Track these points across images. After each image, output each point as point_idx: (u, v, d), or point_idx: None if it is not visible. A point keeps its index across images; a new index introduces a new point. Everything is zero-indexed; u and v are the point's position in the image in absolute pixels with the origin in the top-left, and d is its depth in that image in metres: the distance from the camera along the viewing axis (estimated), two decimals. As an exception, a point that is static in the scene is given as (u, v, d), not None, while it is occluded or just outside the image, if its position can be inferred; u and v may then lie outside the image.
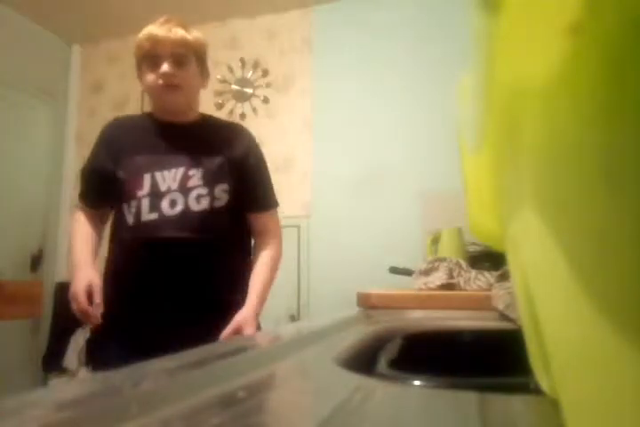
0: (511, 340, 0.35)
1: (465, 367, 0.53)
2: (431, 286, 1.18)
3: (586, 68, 0.11)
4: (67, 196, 3.20)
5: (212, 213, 1.13)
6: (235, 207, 1.19)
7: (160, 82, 1.15)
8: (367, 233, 2.49)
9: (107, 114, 3.21)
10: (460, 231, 1.78)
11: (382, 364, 0.43)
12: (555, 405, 0.19)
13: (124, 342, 1.10)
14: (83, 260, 1.13)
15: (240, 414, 0.24)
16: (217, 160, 1.18)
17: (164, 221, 1.11)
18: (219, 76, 2.94)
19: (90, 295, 1.05)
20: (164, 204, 1.11)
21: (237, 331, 1.08)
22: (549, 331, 0.18)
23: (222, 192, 1.16)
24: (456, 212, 1.30)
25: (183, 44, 1.17)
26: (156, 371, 0.36)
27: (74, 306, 1.06)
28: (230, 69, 2.99)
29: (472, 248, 1.68)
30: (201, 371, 0.36)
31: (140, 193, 1.12)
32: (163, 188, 1.13)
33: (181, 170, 1.14)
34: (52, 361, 2.76)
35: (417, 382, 0.35)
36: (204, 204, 1.13)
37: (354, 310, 0.96)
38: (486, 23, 0.17)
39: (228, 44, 3.01)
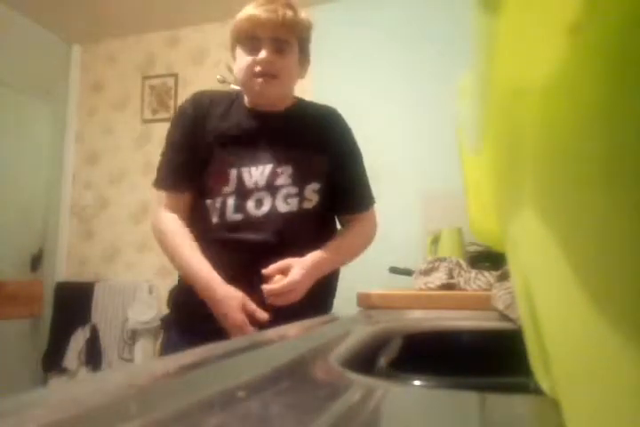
0: (511, 340, 0.35)
1: (465, 367, 0.53)
2: (431, 286, 1.18)
3: (586, 67, 0.11)
4: (67, 195, 3.20)
5: (299, 215, 1.03)
6: (325, 209, 1.08)
7: (257, 69, 1.02)
8: (367, 233, 2.49)
9: (107, 114, 3.22)
10: (459, 231, 1.78)
11: (382, 364, 0.43)
12: (555, 405, 0.19)
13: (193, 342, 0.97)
14: (211, 276, 0.98)
15: (240, 414, 0.24)
16: (309, 156, 1.06)
17: (248, 222, 1.01)
18: (218, 77, 2.93)
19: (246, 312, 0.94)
20: (250, 203, 1.02)
21: (283, 269, 0.96)
22: (549, 331, 0.18)
23: (313, 193, 1.05)
24: (456, 212, 1.30)
25: (288, 27, 1.02)
26: (156, 371, 0.36)
27: (230, 324, 0.93)
28: (230, 69, 2.99)
29: (472, 248, 1.68)
30: (201, 371, 0.36)
31: (226, 190, 1.02)
32: (249, 185, 1.02)
33: (270, 166, 1.04)
34: (52, 361, 2.76)
35: (417, 382, 0.35)
36: (292, 204, 1.03)
37: (354, 310, 0.96)
38: (486, 23, 0.17)
39: (229, 45, 3.01)
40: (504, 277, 0.85)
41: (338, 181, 1.09)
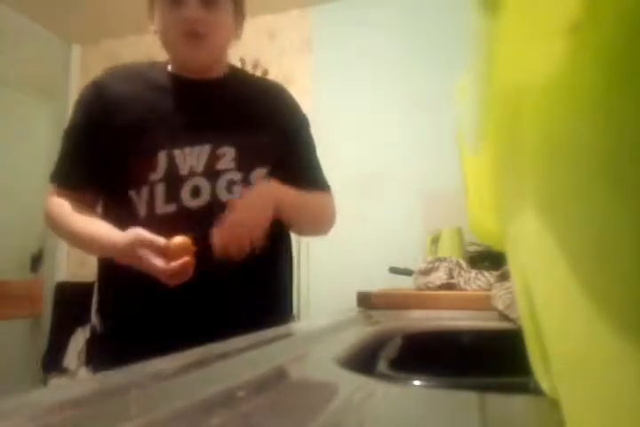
0: (511, 340, 0.35)
1: (465, 367, 0.53)
2: (431, 286, 1.18)
3: (585, 67, 0.11)
4: (67, 196, 3.20)
5: None
6: None
7: (181, 28, 0.85)
8: (367, 233, 2.49)
9: (107, 114, 3.22)
10: (459, 231, 1.78)
11: (382, 364, 0.43)
12: (555, 405, 0.19)
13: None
14: (107, 234, 0.82)
15: (240, 414, 0.24)
16: (255, 134, 0.89)
17: (183, 214, 0.84)
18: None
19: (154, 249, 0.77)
20: (184, 192, 0.85)
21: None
22: (549, 331, 0.18)
23: (260, 179, 0.88)
24: (456, 212, 1.30)
25: None
26: (155, 371, 0.36)
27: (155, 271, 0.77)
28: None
29: (472, 248, 1.68)
30: (201, 371, 0.35)
31: (153, 176, 0.85)
32: (183, 170, 0.85)
33: (208, 147, 0.86)
34: (52, 361, 2.76)
35: (417, 382, 0.35)
36: (237, 193, 0.86)
37: (354, 310, 0.96)
38: (486, 23, 0.17)
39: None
40: (504, 277, 0.85)
41: (285, 161, 0.92)
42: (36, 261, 2.97)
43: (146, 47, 3.21)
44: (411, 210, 2.46)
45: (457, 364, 0.57)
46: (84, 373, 2.74)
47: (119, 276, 0.87)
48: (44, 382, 2.80)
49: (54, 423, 0.23)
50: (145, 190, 0.85)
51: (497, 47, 0.17)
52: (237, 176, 0.87)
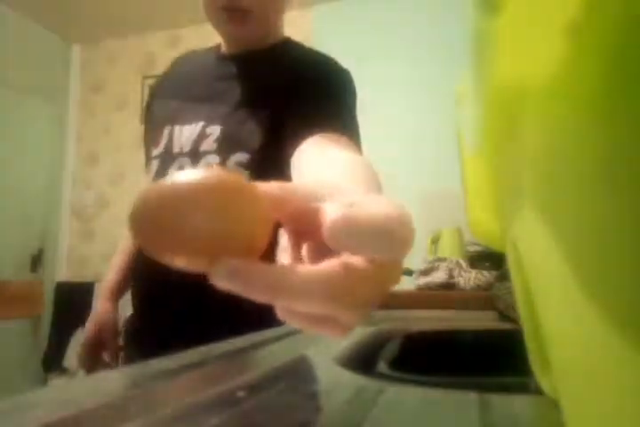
0: (511, 340, 0.35)
1: (465, 367, 0.53)
2: (431, 285, 1.18)
3: (585, 67, 0.11)
4: (67, 195, 3.20)
5: None
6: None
7: (221, 4, 0.75)
8: (367, 233, 2.49)
9: (107, 114, 3.22)
10: (459, 231, 1.78)
11: (382, 364, 0.43)
12: (555, 405, 0.19)
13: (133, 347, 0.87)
14: (106, 285, 0.95)
15: (240, 414, 0.24)
16: (245, 111, 0.76)
17: None
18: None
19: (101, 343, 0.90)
20: (172, 171, 0.77)
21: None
22: (549, 331, 0.18)
23: (238, 166, 0.74)
24: (456, 212, 1.30)
25: None
26: (156, 371, 0.36)
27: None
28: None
29: (472, 248, 1.68)
30: (201, 371, 0.35)
31: (155, 152, 0.82)
32: (176, 148, 0.79)
33: (200, 125, 0.78)
34: (52, 361, 2.76)
35: (417, 382, 0.35)
36: None
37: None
38: (486, 23, 0.17)
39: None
40: (504, 277, 0.85)
41: (285, 119, 0.72)
42: (36, 261, 2.97)
43: (146, 47, 3.21)
44: (411, 210, 2.46)
45: (457, 364, 0.57)
46: (84, 373, 2.74)
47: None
48: (44, 382, 2.80)
49: (54, 423, 0.23)
50: (149, 166, 0.84)
51: (497, 47, 0.17)
52: (215, 160, 0.76)
